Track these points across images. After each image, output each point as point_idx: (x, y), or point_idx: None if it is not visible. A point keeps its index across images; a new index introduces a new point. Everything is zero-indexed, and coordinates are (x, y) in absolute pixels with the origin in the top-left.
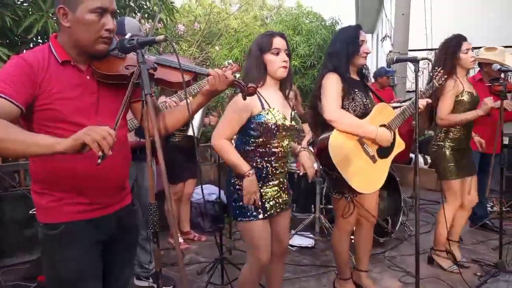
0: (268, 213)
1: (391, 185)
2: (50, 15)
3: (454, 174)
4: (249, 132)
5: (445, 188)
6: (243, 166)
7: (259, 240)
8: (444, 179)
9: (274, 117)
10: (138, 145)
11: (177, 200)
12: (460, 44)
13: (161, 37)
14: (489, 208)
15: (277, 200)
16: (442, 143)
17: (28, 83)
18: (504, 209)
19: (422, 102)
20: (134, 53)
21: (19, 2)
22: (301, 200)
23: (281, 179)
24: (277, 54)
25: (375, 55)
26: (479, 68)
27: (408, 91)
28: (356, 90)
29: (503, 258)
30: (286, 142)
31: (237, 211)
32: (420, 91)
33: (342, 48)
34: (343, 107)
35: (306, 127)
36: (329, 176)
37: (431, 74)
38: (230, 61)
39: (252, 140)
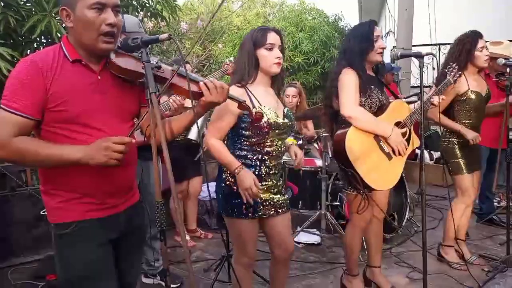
0: (258, 213)
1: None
2: (54, 14)
3: (466, 169)
4: (241, 131)
5: (457, 183)
6: (232, 163)
7: (244, 238)
8: (455, 174)
9: (266, 116)
10: (144, 144)
11: (182, 198)
12: (477, 41)
13: (165, 35)
14: (495, 203)
15: (270, 202)
16: (451, 139)
17: (38, 87)
18: (511, 204)
19: (437, 99)
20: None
21: (22, 2)
22: (307, 197)
23: (275, 180)
24: (271, 49)
25: None
26: None
27: (413, 87)
28: (373, 86)
29: (511, 253)
30: (279, 141)
31: (225, 207)
32: (436, 88)
33: (356, 45)
34: (360, 103)
35: (309, 124)
36: (345, 172)
37: (445, 70)
38: (231, 58)
39: (245, 139)
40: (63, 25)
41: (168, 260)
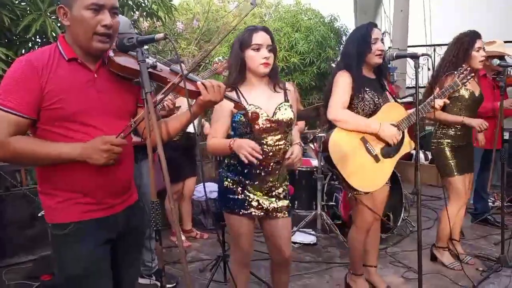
0: (247, 212)
1: (392, 181)
2: (49, 14)
3: (455, 171)
4: (234, 131)
5: (447, 185)
6: (226, 142)
7: (237, 233)
8: (445, 176)
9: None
10: (140, 144)
11: (177, 199)
12: (475, 41)
13: (161, 35)
14: (490, 203)
15: (262, 204)
16: (441, 140)
17: (33, 86)
18: (505, 204)
19: (439, 103)
20: (133, 52)
21: (17, 1)
22: (303, 197)
23: (273, 182)
24: (258, 50)
25: None
26: None
27: (408, 87)
28: (368, 89)
29: (505, 253)
30: (272, 140)
31: (221, 201)
32: (440, 90)
33: (353, 48)
34: (351, 105)
35: (301, 124)
36: (332, 173)
37: (440, 71)
38: (220, 57)
39: (237, 138)
40: (59, 24)
41: (164, 260)
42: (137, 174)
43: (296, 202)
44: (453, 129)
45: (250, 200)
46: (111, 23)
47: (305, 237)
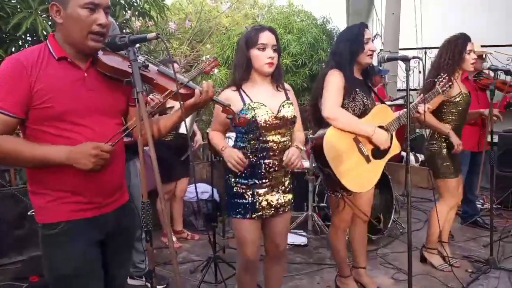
0: (258, 214)
1: (383, 183)
2: (39, 12)
3: (452, 172)
4: (238, 129)
5: (441, 186)
6: (219, 144)
7: (244, 238)
8: (441, 177)
9: (255, 112)
10: (131, 143)
11: (169, 199)
12: (466, 44)
13: (153, 34)
14: (479, 206)
15: (271, 202)
16: (439, 142)
17: (22, 85)
18: (494, 206)
19: (423, 108)
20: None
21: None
22: (294, 198)
23: (279, 179)
24: (263, 49)
25: None
26: None
27: (399, 90)
28: (358, 89)
29: (494, 255)
30: (277, 137)
31: (229, 207)
32: (423, 96)
33: (345, 47)
34: (343, 106)
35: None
36: (322, 173)
37: (434, 79)
38: (208, 56)
39: (245, 136)
40: (50, 22)
41: (154, 261)
42: (127, 173)
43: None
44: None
45: (260, 201)
46: (106, 22)
47: (296, 239)
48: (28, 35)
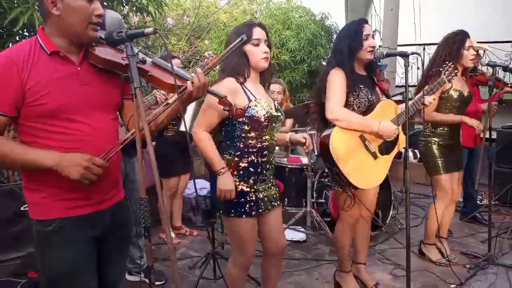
0: (260, 210)
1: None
2: (36, 7)
3: (443, 169)
4: (240, 126)
5: (434, 183)
6: (217, 163)
7: (245, 238)
8: (432, 174)
9: (264, 109)
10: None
11: (172, 195)
12: (464, 40)
13: (150, 29)
14: (478, 202)
15: (268, 197)
16: (429, 139)
17: (13, 83)
18: (492, 202)
19: (429, 99)
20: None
21: None
22: (293, 194)
23: (270, 174)
24: (258, 45)
25: None
26: None
27: (398, 86)
28: (362, 86)
29: (492, 251)
30: (273, 134)
31: (228, 206)
32: (428, 87)
33: (345, 44)
34: (347, 103)
35: (288, 122)
36: (330, 171)
37: (439, 69)
38: (210, 52)
39: (243, 135)
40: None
41: (153, 257)
42: (131, 170)
43: (286, 200)
44: (440, 128)
45: (261, 197)
46: (103, 12)
47: (294, 234)
48: (25, 30)
